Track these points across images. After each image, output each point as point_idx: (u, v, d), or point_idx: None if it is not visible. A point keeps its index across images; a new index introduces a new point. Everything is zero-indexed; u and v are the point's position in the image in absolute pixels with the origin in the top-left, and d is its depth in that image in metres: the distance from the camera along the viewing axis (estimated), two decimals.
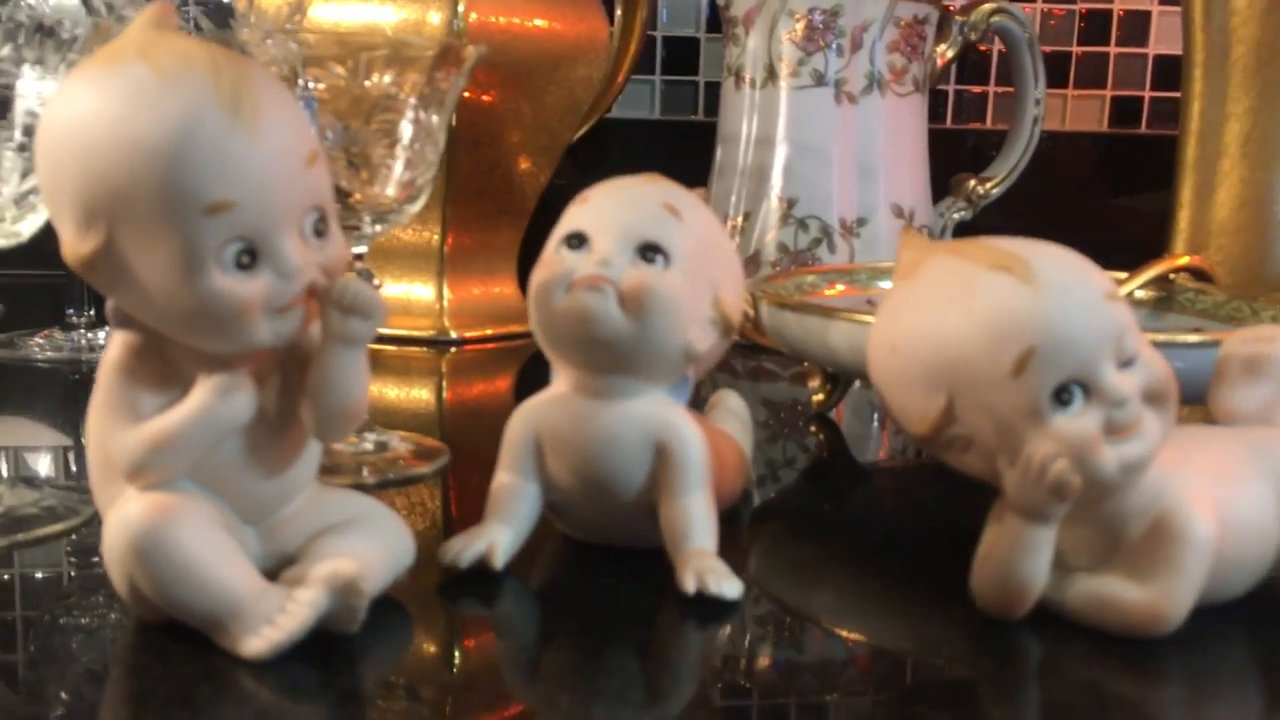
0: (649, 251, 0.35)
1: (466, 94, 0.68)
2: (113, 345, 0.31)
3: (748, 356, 0.71)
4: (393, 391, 0.62)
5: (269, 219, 0.29)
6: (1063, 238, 0.33)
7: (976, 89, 1.05)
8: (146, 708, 0.28)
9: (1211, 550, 0.32)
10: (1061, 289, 0.31)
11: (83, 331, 0.68)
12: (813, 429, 0.57)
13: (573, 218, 0.36)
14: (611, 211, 0.36)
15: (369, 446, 0.47)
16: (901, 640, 0.34)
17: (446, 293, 0.73)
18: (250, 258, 0.29)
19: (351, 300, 0.30)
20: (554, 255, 0.36)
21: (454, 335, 0.72)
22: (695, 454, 0.36)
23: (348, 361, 0.31)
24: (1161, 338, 0.45)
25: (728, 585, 0.34)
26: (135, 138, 0.28)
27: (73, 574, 0.37)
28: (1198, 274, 0.58)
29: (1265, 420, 0.36)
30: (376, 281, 0.46)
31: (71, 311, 0.68)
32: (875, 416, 0.61)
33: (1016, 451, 0.32)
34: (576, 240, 0.35)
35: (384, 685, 0.30)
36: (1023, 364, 0.31)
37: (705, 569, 0.34)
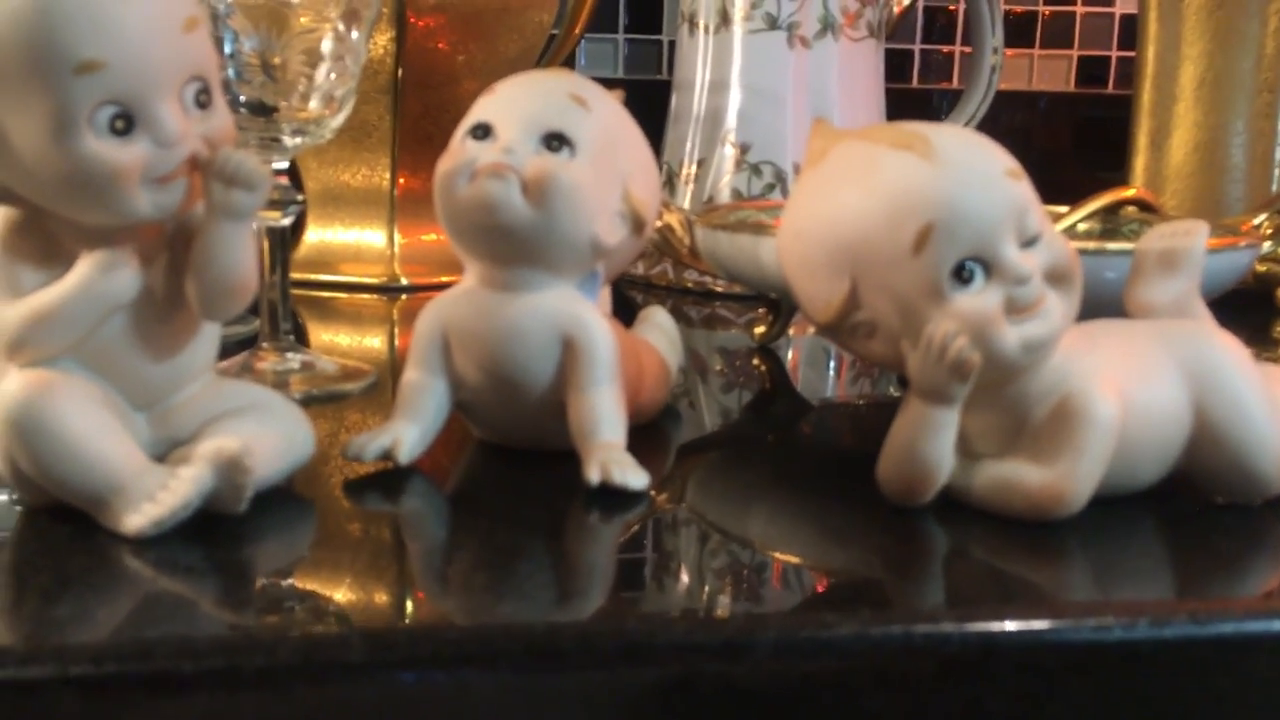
0: (554, 141, 0.34)
1: (413, 23, 0.68)
2: None
3: (701, 304, 0.71)
4: (344, 339, 0.61)
5: (143, 83, 0.28)
6: None
7: (944, 49, 1.05)
8: (26, 585, 0.27)
9: (1114, 431, 0.32)
10: (961, 165, 0.31)
11: None
12: (755, 362, 0.56)
13: (478, 109, 0.36)
14: (517, 102, 0.35)
15: (295, 366, 0.46)
16: (812, 540, 0.33)
17: (398, 238, 0.72)
18: (125, 123, 0.28)
19: (234, 171, 0.29)
20: (458, 146, 0.35)
21: (405, 282, 0.71)
22: (603, 347, 0.35)
23: (231, 235, 0.30)
24: (1091, 245, 0.45)
25: (632, 476, 0.33)
26: None
27: None
28: (1143, 206, 0.57)
29: (1179, 314, 0.35)
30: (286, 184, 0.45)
31: None
32: (830, 361, 0.60)
33: (919, 333, 0.31)
34: (481, 131, 0.35)
35: (274, 568, 0.30)
36: (922, 240, 0.31)
37: (610, 460, 0.34)
